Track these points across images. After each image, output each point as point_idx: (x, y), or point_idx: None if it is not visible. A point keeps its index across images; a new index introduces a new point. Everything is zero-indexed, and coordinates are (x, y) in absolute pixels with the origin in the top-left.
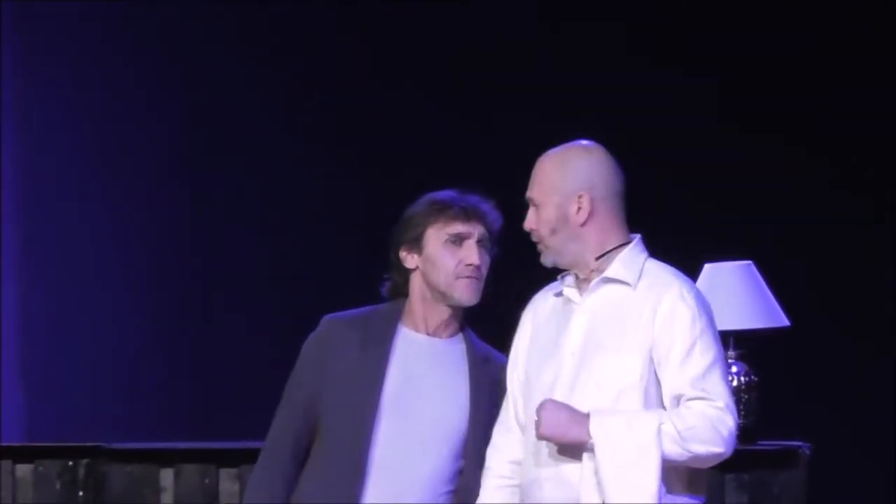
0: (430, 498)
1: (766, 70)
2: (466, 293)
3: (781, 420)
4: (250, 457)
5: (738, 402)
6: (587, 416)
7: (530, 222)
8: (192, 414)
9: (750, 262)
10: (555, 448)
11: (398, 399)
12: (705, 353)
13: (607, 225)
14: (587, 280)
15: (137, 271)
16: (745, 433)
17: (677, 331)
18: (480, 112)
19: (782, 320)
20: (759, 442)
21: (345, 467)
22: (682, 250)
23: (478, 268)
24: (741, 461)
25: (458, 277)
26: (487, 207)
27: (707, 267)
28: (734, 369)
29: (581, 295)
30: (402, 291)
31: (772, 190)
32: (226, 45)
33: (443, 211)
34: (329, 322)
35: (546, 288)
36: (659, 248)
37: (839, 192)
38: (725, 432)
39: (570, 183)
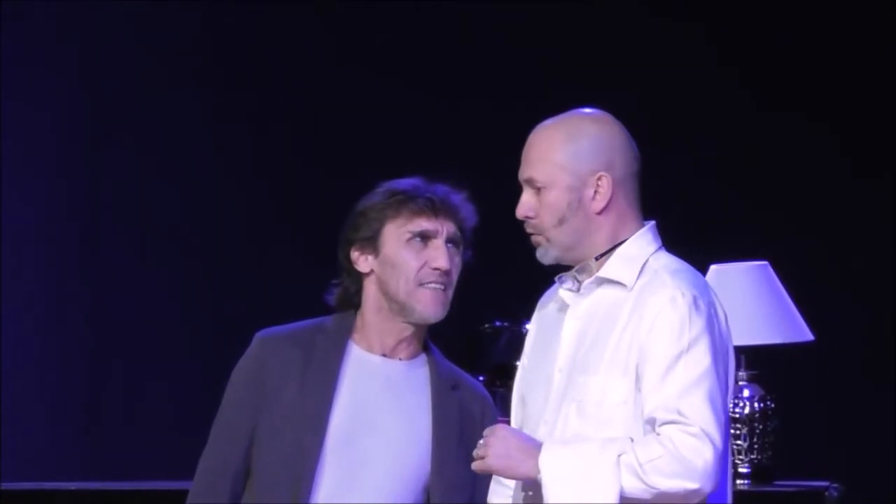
0: None
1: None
2: (431, 306)
3: (803, 456)
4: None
5: (751, 433)
6: (539, 447)
7: (527, 208)
8: (83, 452)
9: (765, 262)
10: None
11: (347, 437)
12: (690, 368)
13: (624, 212)
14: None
15: (29, 300)
16: (759, 471)
17: (659, 341)
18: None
19: (805, 334)
20: (776, 482)
21: None
22: (683, 249)
23: (446, 273)
24: None
25: (421, 285)
26: (459, 200)
27: (713, 269)
28: (746, 393)
29: (575, 298)
30: (353, 301)
31: (791, 177)
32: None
33: (404, 203)
34: (263, 340)
35: (554, 286)
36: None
37: (869, 183)
38: (700, 463)
39: (585, 161)
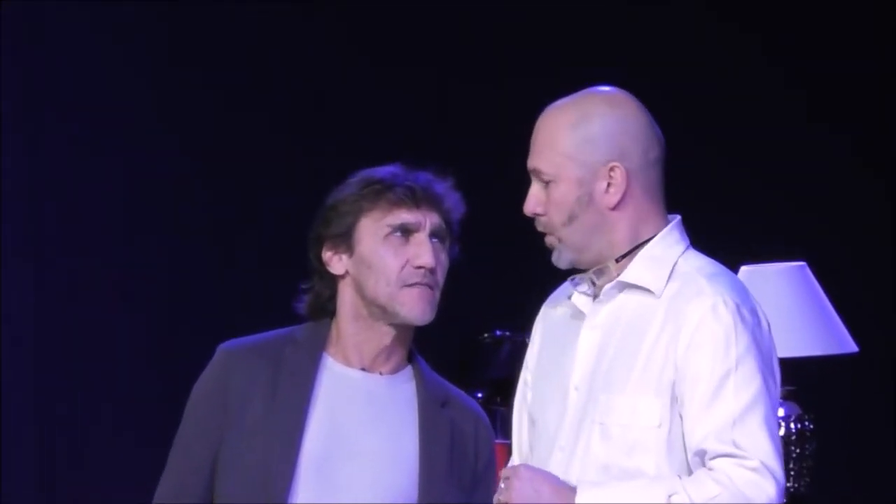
0: None
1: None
2: (417, 307)
3: (845, 482)
4: None
5: (787, 457)
6: (573, 489)
7: (534, 203)
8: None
9: (803, 263)
10: None
11: (322, 461)
12: (741, 390)
13: (645, 207)
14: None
15: None
16: (796, 501)
17: (702, 359)
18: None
19: (847, 345)
20: None
21: None
22: (710, 247)
23: (432, 271)
24: None
25: (404, 285)
26: (444, 188)
27: (744, 270)
28: (781, 412)
29: (593, 305)
30: (326, 308)
31: (830, 170)
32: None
33: (381, 193)
34: (227, 353)
35: (563, 287)
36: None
37: None
38: (763, 501)
39: (595, 149)
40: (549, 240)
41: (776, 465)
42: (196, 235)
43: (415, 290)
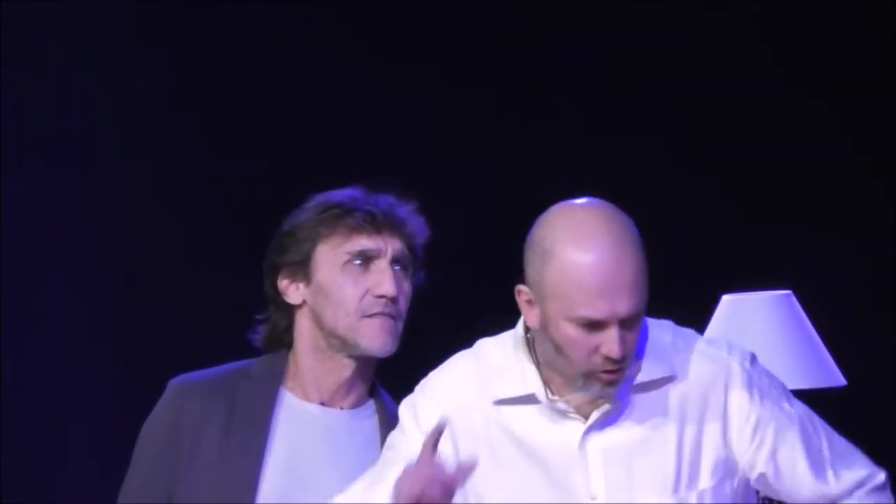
0: None
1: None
2: (378, 338)
3: None
4: None
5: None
6: None
7: (629, 347)
8: None
9: (788, 291)
10: None
11: (281, 501)
12: (806, 421)
13: None
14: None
15: None
16: None
17: (761, 418)
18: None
19: (835, 378)
20: None
21: None
22: (694, 278)
23: (393, 301)
24: None
25: (364, 316)
26: (407, 212)
27: (727, 300)
28: None
29: (597, 414)
30: (283, 340)
31: (817, 194)
32: None
33: (340, 218)
34: (178, 388)
35: (460, 383)
36: (665, 275)
37: None
38: None
39: None
40: (616, 376)
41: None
42: (166, 255)
43: (376, 321)
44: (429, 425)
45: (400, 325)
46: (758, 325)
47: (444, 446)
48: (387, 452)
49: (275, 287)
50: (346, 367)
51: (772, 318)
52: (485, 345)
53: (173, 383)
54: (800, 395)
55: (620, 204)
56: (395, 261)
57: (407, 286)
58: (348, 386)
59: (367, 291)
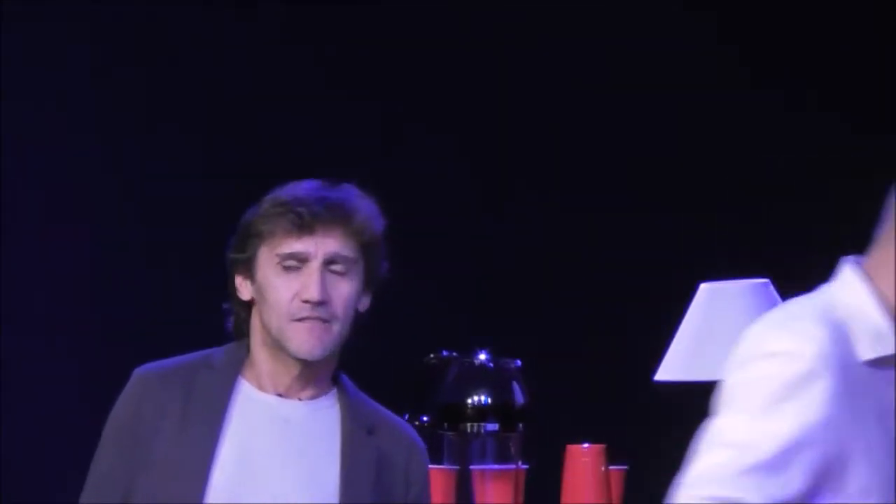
0: None
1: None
2: (306, 342)
3: None
4: None
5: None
6: None
7: None
8: None
9: (766, 280)
10: None
11: (232, 495)
12: None
13: None
14: None
15: None
16: None
17: None
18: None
19: None
20: None
21: None
22: (669, 264)
23: (322, 305)
24: None
25: (293, 319)
26: (348, 208)
27: (704, 288)
28: None
29: None
30: (243, 330)
31: (793, 181)
32: None
33: (279, 218)
34: (142, 378)
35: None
36: (644, 264)
37: (884, 185)
38: None
39: None
40: None
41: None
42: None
43: (303, 325)
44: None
45: (336, 327)
46: (737, 313)
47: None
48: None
49: (233, 282)
50: (294, 367)
51: (751, 306)
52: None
53: (136, 373)
54: None
55: (605, 193)
56: (329, 262)
57: (346, 287)
58: (303, 380)
59: (296, 295)
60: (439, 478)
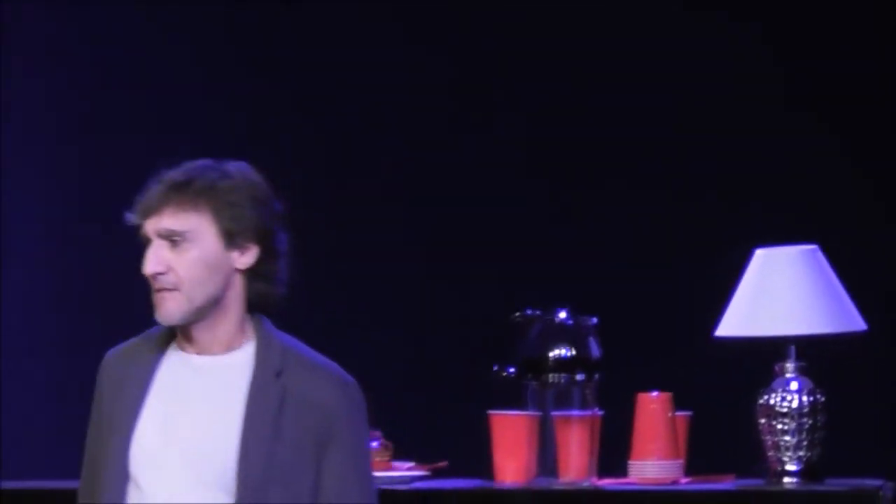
0: None
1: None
2: (161, 310)
3: (855, 453)
4: None
5: (799, 428)
6: None
7: None
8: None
9: (815, 246)
10: None
11: (150, 449)
12: None
13: None
14: None
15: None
16: (809, 469)
17: None
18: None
19: (857, 323)
20: (827, 480)
21: None
22: (727, 232)
23: (162, 275)
24: None
25: (153, 292)
26: (180, 181)
27: (760, 253)
28: (794, 386)
29: None
30: None
31: (842, 153)
32: None
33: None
34: (104, 360)
35: None
36: (697, 231)
37: None
38: None
39: None
40: None
41: None
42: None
43: (157, 296)
44: None
45: (184, 293)
46: (788, 276)
47: None
48: None
49: None
50: (181, 330)
51: (800, 270)
52: None
53: (105, 356)
54: (825, 338)
55: (652, 167)
56: (166, 237)
57: (185, 255)
58: (205, 339)
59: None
60: (524, 423)
